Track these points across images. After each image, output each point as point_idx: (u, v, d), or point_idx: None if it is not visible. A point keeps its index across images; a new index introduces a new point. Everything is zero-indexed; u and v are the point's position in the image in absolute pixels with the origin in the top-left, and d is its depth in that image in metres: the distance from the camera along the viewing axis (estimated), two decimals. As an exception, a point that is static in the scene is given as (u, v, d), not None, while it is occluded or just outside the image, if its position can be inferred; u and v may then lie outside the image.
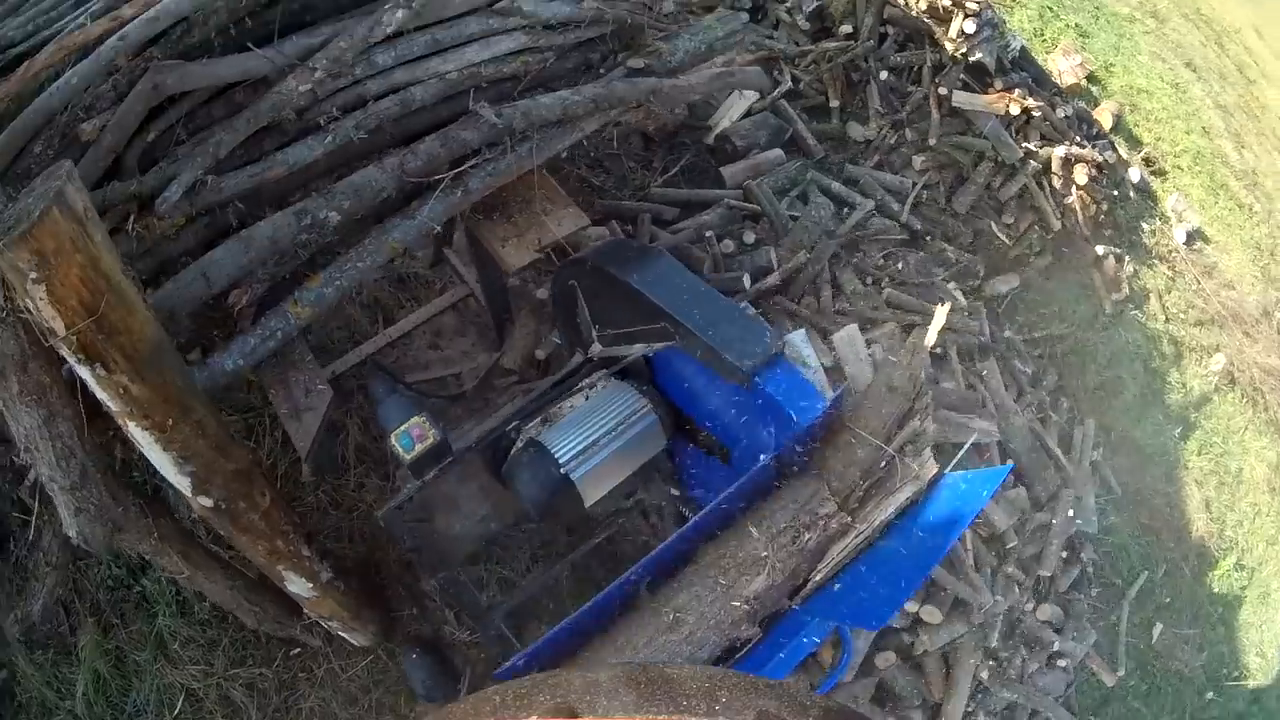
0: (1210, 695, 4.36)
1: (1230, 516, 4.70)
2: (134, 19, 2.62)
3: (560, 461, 2.67)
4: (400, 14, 2.76)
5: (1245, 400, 4.91)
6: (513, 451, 2.79)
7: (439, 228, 2.94)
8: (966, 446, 3.10)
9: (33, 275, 1.68)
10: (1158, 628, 4.36)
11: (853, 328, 3.71)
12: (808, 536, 2.55)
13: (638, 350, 2.81)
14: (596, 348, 2.95)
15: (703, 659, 2.41)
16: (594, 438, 2.71)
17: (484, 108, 2.85)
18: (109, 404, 2.04)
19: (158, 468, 2.29)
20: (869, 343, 3.75)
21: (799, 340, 3.56)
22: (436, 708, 2.82)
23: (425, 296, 4.01)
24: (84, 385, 2.05)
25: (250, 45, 2.70)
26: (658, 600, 2.45)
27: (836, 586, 2.59)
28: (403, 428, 2.63)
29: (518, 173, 3.01)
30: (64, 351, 1.88)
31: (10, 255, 1.65)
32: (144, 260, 2.56)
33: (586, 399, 2.88)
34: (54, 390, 2.10)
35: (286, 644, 3.40)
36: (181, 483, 2.31)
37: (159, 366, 2.05)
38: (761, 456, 2.60)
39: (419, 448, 2.62)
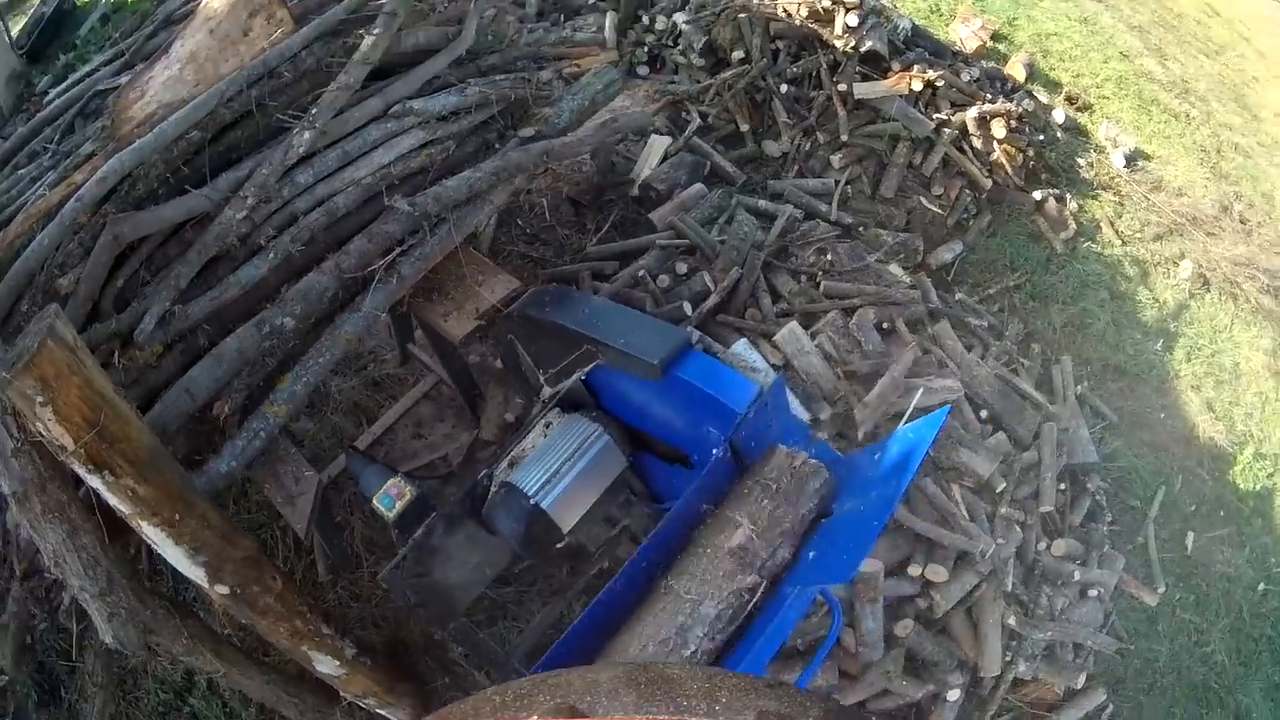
0: (1263, 586, 4.56)
1: (1237, 411, 4.97)
2: (85, 182, 3.13)
3: (528, 494, 3.04)
4: (307, 135, 3.24)
5: (1224, 297, 5.21)
6: (489, 497, 3.16)
7: (384, 314, 3.45)
8: (914, 405, 3.35)
9: (39, 399, 2.14)
10: (1190, 536, 4.58)
11: (793, 324, 4.09)
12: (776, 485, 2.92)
13: (574, 379, 3.21)
14: (546, 390, 3.36)
15: (712, 616, 2.65)
16: (555, 467, 3.09)
17: (398, 201, 3.34)
18: (121, 507, 2.44)
19: (174, 564, 2.66)
20: (813, 335, 4.13)
21: (743, 349, 3.94)
22: None
23: (400, 392, 4.53)
24: (99, 499, 2.45)
25: (189, 188, 3.20)
26: (656, 588, 2.77)
27: (811, 554, 2.90)
28: (381, 490, 3.05)
29: (443, 252, 3.48)
30: (75, 465, 2.30)
31: (18, 384, 2.10)
32: (133, 389, 2.96)
33: (545, 436, 3.26)
34: (73, 507, 2.52)
35: None
36: (196, 574, 2.67)
37: (159, 468, 2.46)
38: (714, 452, 2.96)
39: (399, 504, 3.03)
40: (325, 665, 3.21)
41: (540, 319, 3.37)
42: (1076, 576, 4.12)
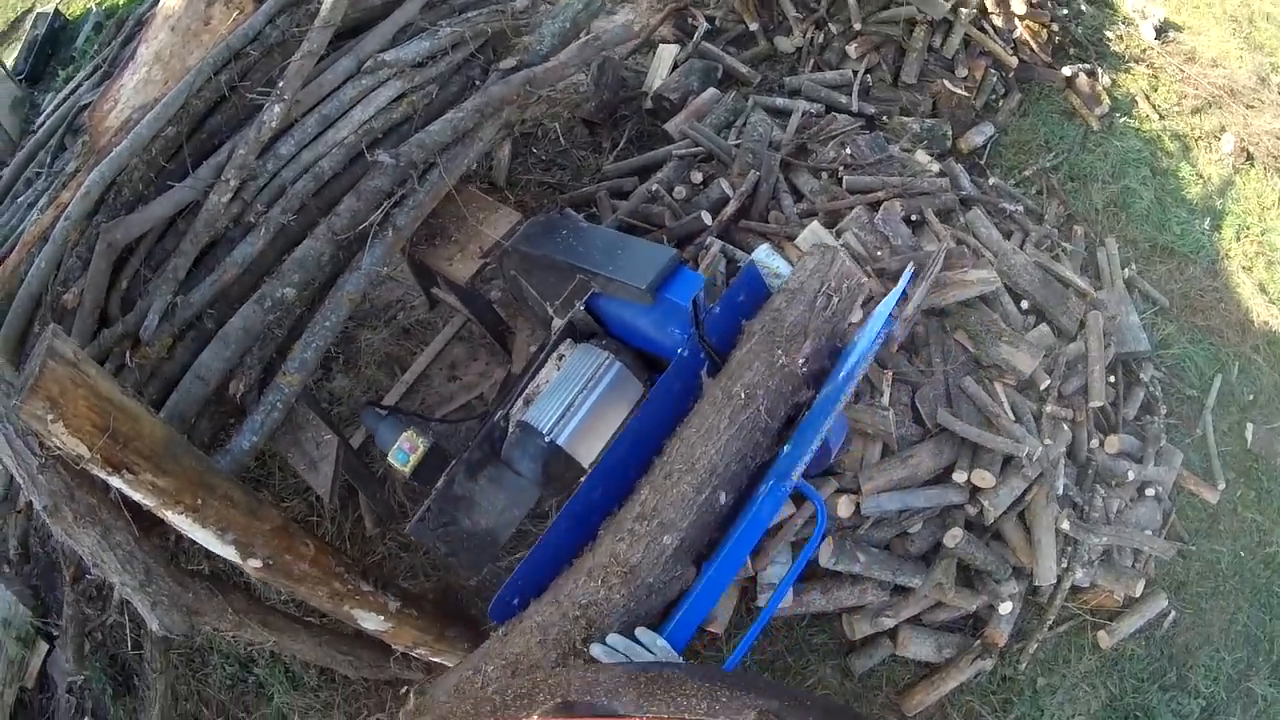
0: (1325, 481, 4.18)
1: (1291, 292, 4.53)
2: (71, 200, 3.10)
3: (543, 432, 2.84)
4: (278, 108, 3.13)
5: (1269, 172, 4.80)
6: (507, 438, 2.99)
7: (385, 268, 3.32)
8: (904, 283, 3.10)
9: (50, 417, 2.11)
10: (1249, 428, 4.27)
11: (814, 224, 3.75)
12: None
13: (575, 310, 2.99)
14: (556, 321, 3.13)
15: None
16: (569, 401, 2.88)
17: (380, 154, 3.20)
18: (145, 501, 2.42)
19: (205, 545, 2.62)
20: (838, 233, 3.79)
21: (764, 254, 3.59)
22: None
23: (431, 338, 4.39)
24: (125, 496, 2.46)
25: (172, 183, 3.14)
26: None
27: (786, 448, 2.74)
28: (395, 445, 2.92)
29: (436, 199, 3.34)
30: (95, 470, 2.30)
31: (29, 408, 2.06)
32: (152, 383, 2.98)
33: (558, 369, 3.04)
34: (103, 508, 2.53)
35: (392, 685, 3.68)
36: (228, 552, 2.63)
37: (176, 457, 2.43)
38: (679, 350, 2.80)
39: (413, 458, 2.91)
40: (370, 622, 3.13)
41: (532, 252, 3.14)
42: (1132, 475, 3.82)
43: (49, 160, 3.95)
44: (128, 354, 2.96)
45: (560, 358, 3.10)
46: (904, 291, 3.06)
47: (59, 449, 2.24)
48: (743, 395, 2.72)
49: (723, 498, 2.61)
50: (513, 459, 2.98)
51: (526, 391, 3.07)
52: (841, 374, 2.78)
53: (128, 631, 3.64)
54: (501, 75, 3.49)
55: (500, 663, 2.31)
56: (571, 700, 1.30)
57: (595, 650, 2.20)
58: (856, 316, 3.18)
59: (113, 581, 2.66)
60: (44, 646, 4.05)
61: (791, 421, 2.91)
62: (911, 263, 3.40)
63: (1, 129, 5.98)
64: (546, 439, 2.88)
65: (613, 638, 2.24)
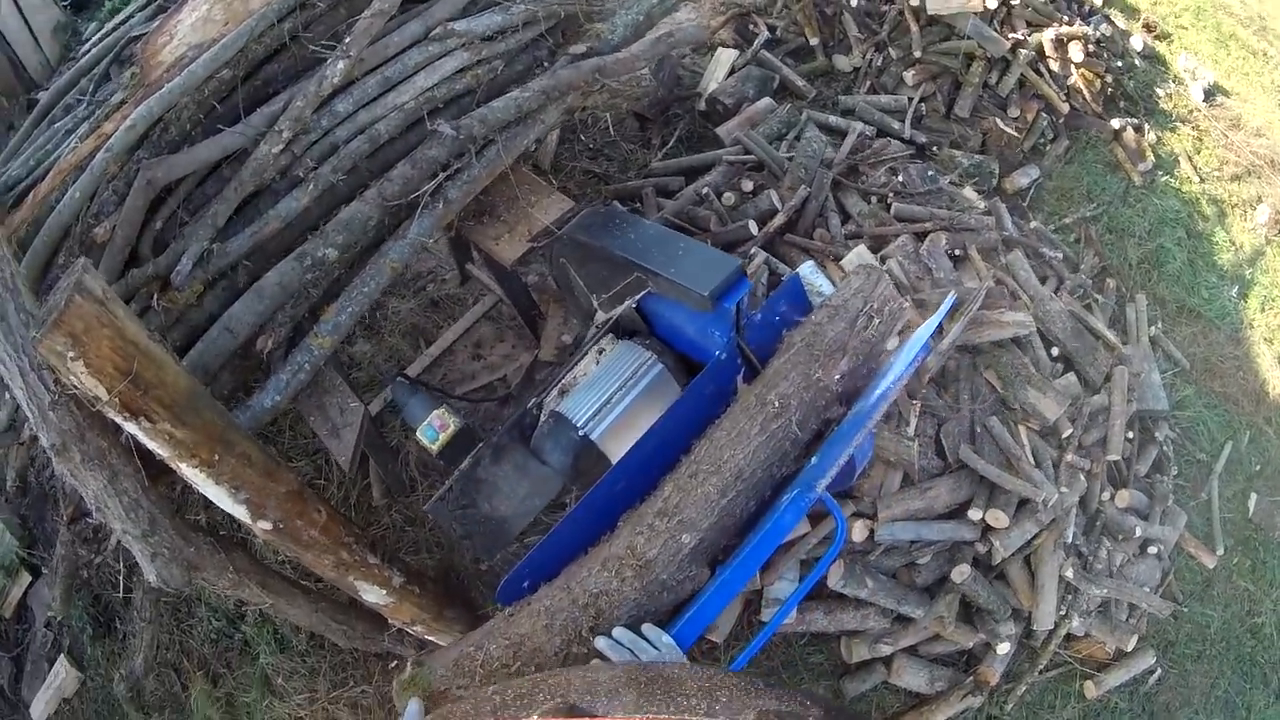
0: (1318, 562, 4.15)
1: (1308, 373, 4.48)
2: (115, 132, 2.95)
3: (578, 425, 2.75)
4: (341, 65, 2.99)
5: None
6: (538, 427, 2.88)
7: (431, 239, 3.18)
8: (944, 311, 2.95)
9: (70, 355, 1.96)
10: (1253, 498, 4.20)
11: (861, 247, 3.67)
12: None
13: (625, 306, 2.89)
14: (600, 315, 3.03)
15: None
16: (606, 397, 2.79)
17: (442, 125, 3.05)
18: (160, 451, 2.28)
19: (215, 502, 2.49)
20: (883, 258, 3.70)
21: (809, 271, 3.50)
22: None
23: (459, 313, 4.24)
24: (138, 443, 2.31)
25: (222, 127, 2.99)
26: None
27: (813, 460, 2.62)
28: (425, 421, 2.83)
29: (491, 175, 3.20)
30: (111, 414, 2.15)
31: (49, 342, 1.92)
32: (177, 329, 2.83)
33: (598, 363, 2.95)
34: (113, 452, 2.37)
35: (382, 659, 3.58)
36: (239, 511, 2.51)
37: (196, 410, 2.29)
38: (717, 353, 2.70)
39: (443, 436, 2.82)
40: (372, 595, 3.01)
41: (589, 243, 3.02)
42: (1139, 532, 3.76)
43: (92, 89, 3.77)
44: (155, 296, 2.81)
45: (601, 352, 2.99)
46: (941, 322, 2.91)
47: (75, 388, 2.09)
48: (776, 404, 2.63)
49: (745, 503, 2.51)
50: (542, 449, 2.87)
51: (563, 382, 2.93)
52: (874, 394, 2.65)
53: (120, 576, 3.44)
54: (571, 60, 3.37)
55: (504, 642, 2.21)
56: (572, 701, 1.23)
57: (600, 643, 2.12)
58: (892, 344, 3.05)
59: (114, 528, 2.52)
60: (27, 578, 3.86)
61: (819, 436, 2.80)
62: (953, 292, 3.25)
63: (41, 53, 5.73)
64: (580, 432, 2.78)
65: (619, 631, 2.14)
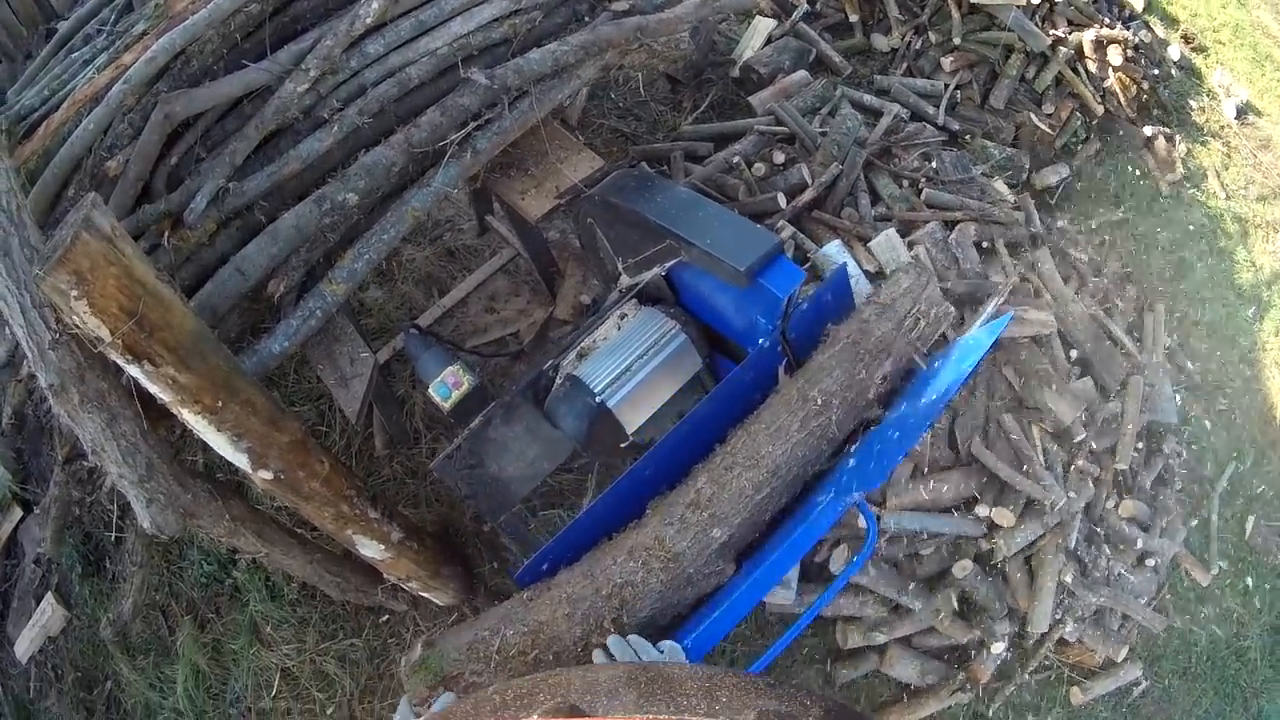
0: (1309, 591, 4.01)
1: (1317, 401, 4.31)
2: (135, 63, 2.73)
3: (595, 391, 2.61)
4: (375, 4, 2.79)
5: None
6: (553, 389, 2.74)
7: (455, 189, 2.96)
8: (1000, 328, 2.88)
9: (74, 293, 1.80)
10: (1251, 520, 4.06)
11: (890, 231, 3.49)
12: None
13: (654, 273, 2.73)
14: (624, 278, 2.88)
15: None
16: (626, 364, 2.65)
17: (475, 72, 2.85)
18: (162, 395, 2.10)
19: (217, 450, 2.30)
20: (911, 244, 3.53)
21: (835, 250, 3.36)
22: None
23: (475, 264, 4.02)
24: (139, 387, 2.13)
25: (246, 63, 2.79)
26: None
27: (852, 461, 2.54)
28: (438, 378, 2.65)
29: (522, 128, 3.00)
30: (113, 355, 1.97)
31: (52, 280, 1.76)
32: (186, 268, 2.65)
33: (619, 329, 2.80)
34: (112, 394, 2.19)
35: (373, 612, 3.42)
36: (239, 459, 2.33)
37: (202, 354, 2.10)
38: (760, 341, 2.55)
39: (456, 394, 2.64)
40: (370, 549, 2.85)
41: (621, 205, 2.83)
42: (1139, 544, 3.62)
43: (113, 19, 3.50)
44: (165, 234, 2.62)
45: (623, 317, 2.81)
46: (997, 339, 2.74)
47: (77, 328, 1.92)
48: (819, 401, 2.48)
49: (778, 500, 2.41)
50: (556, 412, 2.73)
51: (581, 345, 2.74)
52: (922, 402, 2.47)
53: (113, 518, 3.23)
54: (613, 16, 3.16)
55: (522, 628, 2.11)
56: (572, 701, 1.18)
57: (597, 656, 1.99)
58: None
59: (109, 471, 2.34)
60: (18, 513, 3.65)
61: (851, 436, 2.61)
62: (995, 301, 3.08)
63: (63, -20, 5.33)
64: (597, 399, 2.64)
65: (614, 640, 1.97)
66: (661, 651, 1.87)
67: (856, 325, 2.58)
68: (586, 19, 3.21)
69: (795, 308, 2.55)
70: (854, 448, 2.55)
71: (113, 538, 3.43)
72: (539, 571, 2.31)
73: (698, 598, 2.31)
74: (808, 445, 2.40)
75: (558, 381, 2.74)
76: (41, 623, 3.60)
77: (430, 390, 2.69)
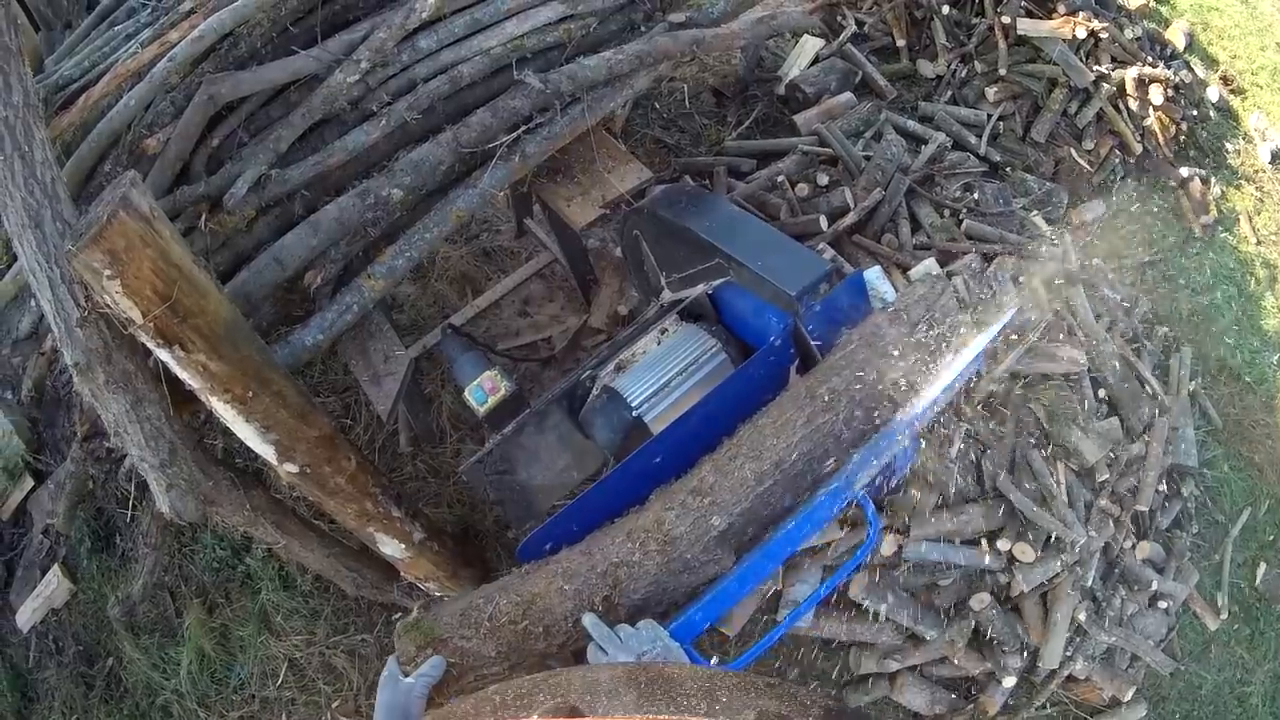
0: (1315, 643, 3.87)
1: (1336, 452, 4.14)
2: (180, 41, 2.63)
3: (632, 405, 2.51)
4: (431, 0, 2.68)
5: None
6: (589, 400, 2.63)
7: (503, 191, 2.83)
8: (1004, 322, 2.75)
9: (107, 273, 1.67)
10: (1262, 568, 3.90)
11: (930, 260, 3.38)
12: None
13: (699, 289, 2.62)
14: (666, 293, 2.77)
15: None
16: (666, 380, 2.55)
17: (529, 76, 2.74)
18: (191, 382, 1.97)
19: (243, 439, 2.18)
20: (949, 274, 3.37)
21: (875, 276, 3.19)
22: None
23: (511, 267, 3.89)
24: (167, 370, 2.00)
25: (296, 49, 2.67)
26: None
27: (855, 456, 2.37)
28: (475, 382, 2.54)
29: (572, 134, 2.89)
30: (144, 338, 1.85)
31: (84, 257, 1.64)
32: (221, 253, 2.55)
33: (659, 344, 2.69)
34: (139, 376, 2.07)
35: (387, 609, 3.30)
36: (266, 451, 2.21)
37: (235, 343, 1.98)
38: (771, 339, 2.45)
39: (492, 400, 2.54)
40: (390, 548, 2.73)
41: (670, 220, 2.71)
42: (1154, 585, 3.49)
43: (158, -8, 3.31)
44: (203, 217, 2.52)
45: (664, 332, 2.68)
46: (999, 333, 2.61)
47: (107, 307, 1.80)
48: (826, 397, 2.38)
49: (781, 495, 2.28)
50: (591, 423, 2.60)
51: (620, 357, 2.62)
52: (923, 400, 2.38)
53: (130, 497, 3.07)
54: (669, 28, 3.02)
55: (515, 598, 2.02)
56: (572, 701, 1.13)
57: (586, 620, 1.89)
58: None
59: (130, 453, 2.21)
60: (29, 482, 3.50)
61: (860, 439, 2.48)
62: (1017, 304, 2.93)
63: (107, -51, 5.16)
64: (634, 413, 2.52)
65: (588, 618, 1.89)
66: (638, 630, 1.80)
67: (870, 328, 2.49)
68: (642, 29, 3.10)
69: (807, 305, 2.43)
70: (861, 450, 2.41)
71: (127, 516, 3.28)
72: (541, 549, 2.23)
73: (694, 585, 2.21)
74: (813, 441, 2.27)
75: (594, 392, 2.63)
76: (46, 594, 3.45)
77: (466, 394, 2.58)
